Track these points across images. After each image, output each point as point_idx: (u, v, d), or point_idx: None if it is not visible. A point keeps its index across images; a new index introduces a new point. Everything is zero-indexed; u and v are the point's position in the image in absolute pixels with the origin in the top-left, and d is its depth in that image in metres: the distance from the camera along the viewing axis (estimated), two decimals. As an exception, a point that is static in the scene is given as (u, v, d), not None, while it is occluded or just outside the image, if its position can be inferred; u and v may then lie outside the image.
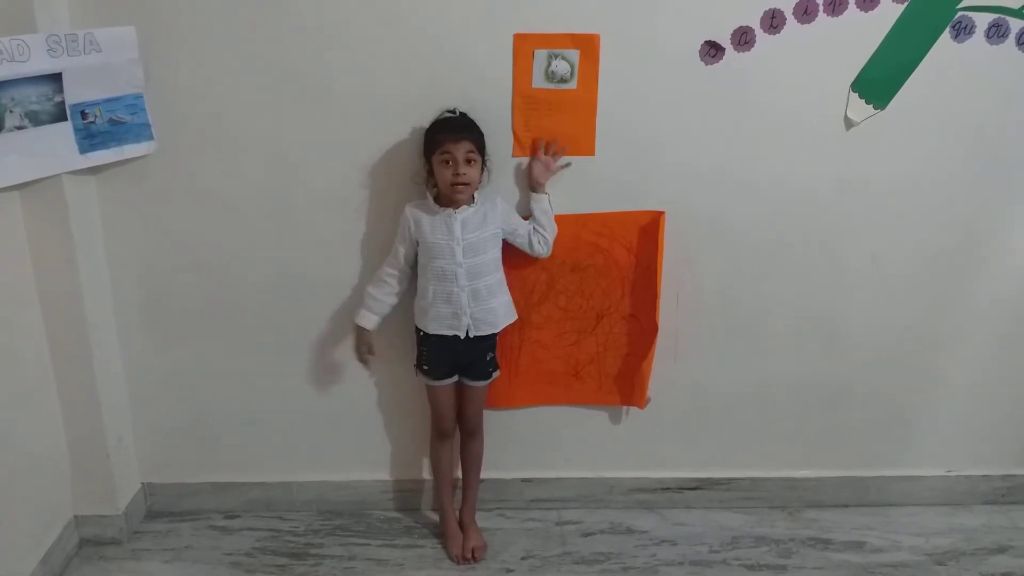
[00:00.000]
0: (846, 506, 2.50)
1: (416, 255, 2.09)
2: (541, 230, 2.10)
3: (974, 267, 2.27)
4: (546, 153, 2.07)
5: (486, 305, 2.08)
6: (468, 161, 1.95)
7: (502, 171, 2.10)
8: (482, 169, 2.01)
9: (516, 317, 2.17)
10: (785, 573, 2.23)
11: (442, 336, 2.10)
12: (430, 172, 2.01)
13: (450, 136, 1.94)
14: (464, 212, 2.01)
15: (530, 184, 2.10)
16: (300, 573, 2.22)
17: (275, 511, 2.46)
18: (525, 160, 2.10)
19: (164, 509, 2.45)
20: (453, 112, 2.00)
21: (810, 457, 2.46)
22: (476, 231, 2.02)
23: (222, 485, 2.44)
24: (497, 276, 2.10)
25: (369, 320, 2.12)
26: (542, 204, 2.09)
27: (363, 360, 2.19)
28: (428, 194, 2.05)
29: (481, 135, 2.00)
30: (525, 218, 2.12)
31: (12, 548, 2.02)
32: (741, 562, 2.27)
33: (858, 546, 2.34)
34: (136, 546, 2.32)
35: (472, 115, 2.01)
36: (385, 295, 2.12)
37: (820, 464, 2.47)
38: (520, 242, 2.11)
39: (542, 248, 2.12)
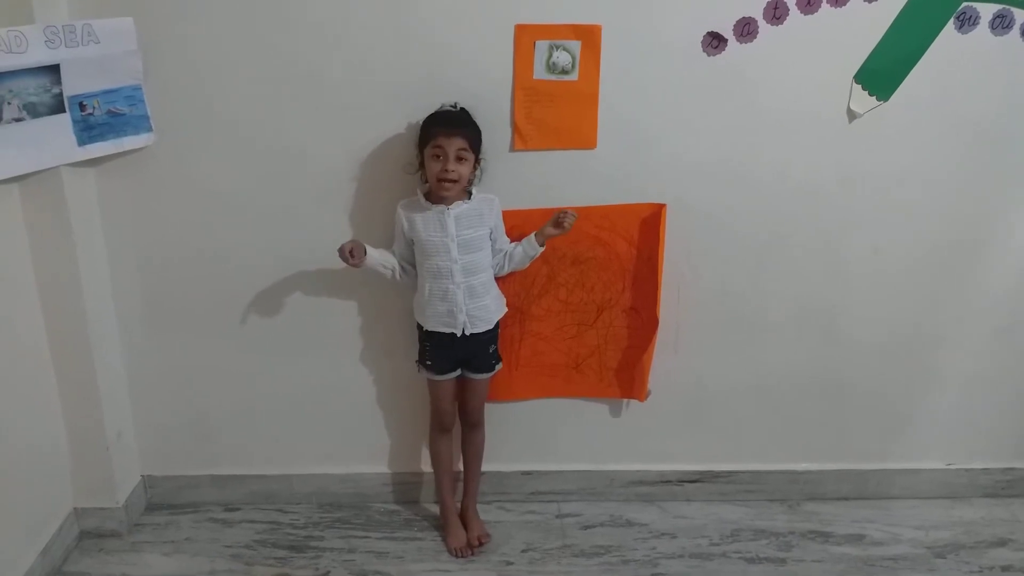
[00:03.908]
0: (846, 499, 2.50)
1: (413, 253, 2.08)
2: (509, 262, 2.10)
3: (974, 260, 2.27)
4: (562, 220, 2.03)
5: (481, 302, 2.07)
6: (459, 158, 1.92)
7: (501, 165, 2.09)
8: (475, 167, 1.99)
9: (506, 309, 2.17)
10: (785, 566, 2.23)
11: (441, 332, 2.09)
12: (422, 163, 2.00)
13: (444, 130, 1.92)
14: (457, 208, 2.00)
15: (540, 232, 2.06)
16: (300, 565, 2.22)
17: (275, 504, 2.46)
18: (526, 154, 2.09)
19: (164, 502, 2.45)
20: (454, 107, 1.98)
21: (810, 450, 2.46)
22: (471, 228, 2.01)
23: (222, 478, 2.44)
24: (490, 273, 2.09)
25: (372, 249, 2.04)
26: (532, 251, 2.08)
27: (344, 254, 1.95)
28: (419, 190, 2.04)
29: (478, 133, 1.97)
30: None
31: (12, 540, 2.02)
32: (741, 555, 2.27)
33: (858, 539, 2.34)
34: (136, 538, 2.32)
35: (472, 107, 2.00)
36: (389, 255, 2.09)
37: (820, 457, 2.47)
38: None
39: (496, 271, 2.12)
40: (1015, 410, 2.44)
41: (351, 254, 1.96)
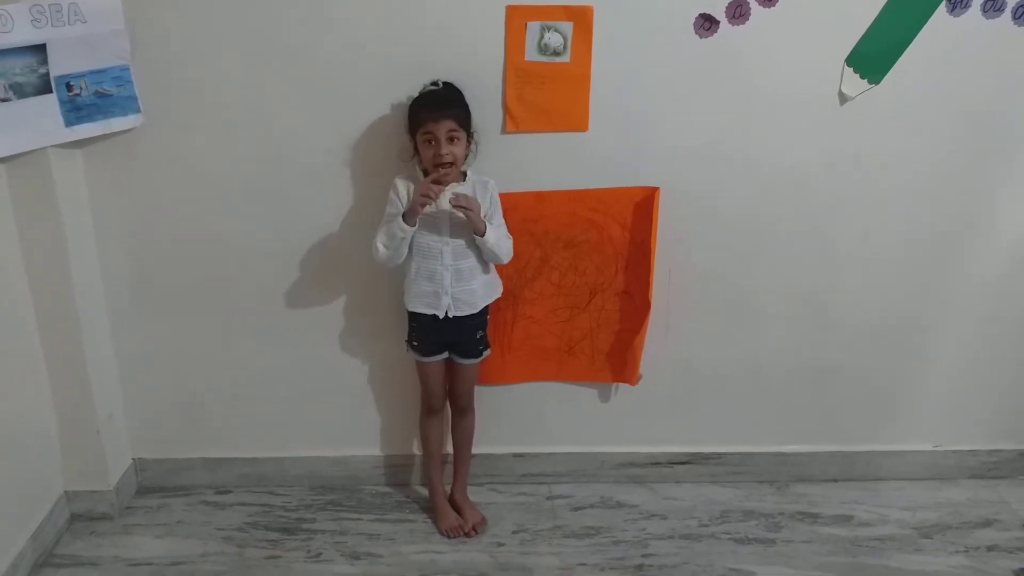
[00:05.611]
0: (834, 480, 2.52)
1: None
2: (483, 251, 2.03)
3: (964, 245, 2.28)
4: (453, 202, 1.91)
5: (468, 286, 2.05)
6: (451, 139, 1.91)
7: (493, 147, 2.08)
8: (468, 143, 1.98)
9: (500, 294, 2.15)
10: (774, 547, 2.25)
11: (425, 314, 2.08)
12: (416, 148, 1.98)
13: (431, 115, 1.90)
14: (452, 188, 1.99)
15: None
16: (292, 547, 2.23)
17: (267, 486, 2.47)
18: (517, 136, 2.08)
19: (155, 484, 2.45)
20: (437, 84, 1.96)
21: (799, 432, 2.48)
22: None
23: (214, 460, 2.44)
24: (480, 256, 2.07)
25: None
26: (485, 246, 1.97)
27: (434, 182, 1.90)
28: (418, 168, 2.02)
29: (466, 109, 1.96)
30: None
31: (2, 524, 2.02)
32: (730, 536, 2.29)
33: (846, 520, 2.36)
34: (127, 521, 2.32)
35: (463, 89, 1.98)
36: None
37: (809, 439, 2.49)
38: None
39: (491, 258, 2.03)
40: (1002, 392, 2.46)
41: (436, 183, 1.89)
